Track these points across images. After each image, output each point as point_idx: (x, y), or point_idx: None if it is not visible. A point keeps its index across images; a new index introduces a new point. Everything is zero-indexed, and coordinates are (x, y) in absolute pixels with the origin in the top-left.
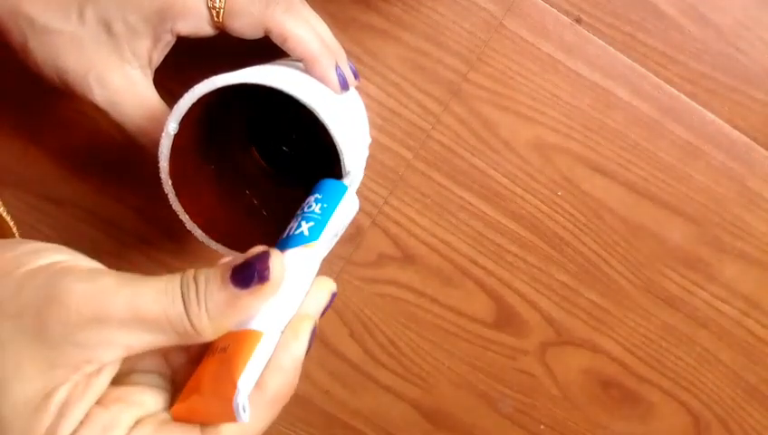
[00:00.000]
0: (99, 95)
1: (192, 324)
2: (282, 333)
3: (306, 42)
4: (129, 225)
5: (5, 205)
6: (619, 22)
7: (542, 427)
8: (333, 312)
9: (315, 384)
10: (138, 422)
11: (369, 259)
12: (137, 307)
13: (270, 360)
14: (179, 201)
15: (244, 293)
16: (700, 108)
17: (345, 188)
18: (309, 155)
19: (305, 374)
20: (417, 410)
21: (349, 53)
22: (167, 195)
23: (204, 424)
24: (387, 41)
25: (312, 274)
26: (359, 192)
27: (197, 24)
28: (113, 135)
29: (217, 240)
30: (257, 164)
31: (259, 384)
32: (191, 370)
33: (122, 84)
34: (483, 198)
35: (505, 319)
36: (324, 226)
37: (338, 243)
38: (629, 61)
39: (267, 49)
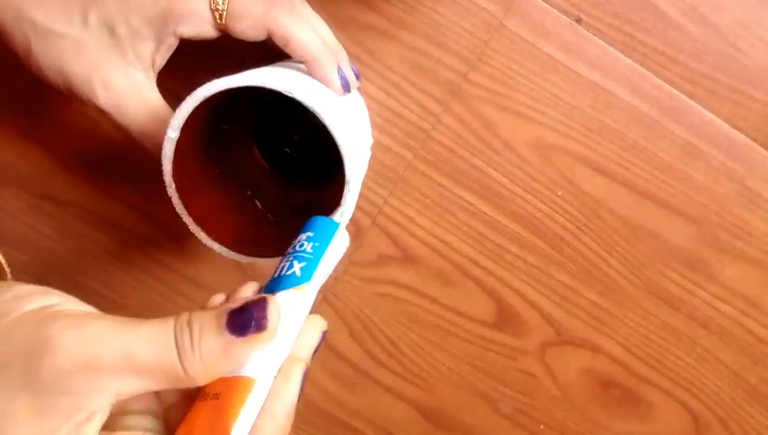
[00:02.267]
0: (103, 98)
1: (185, 371)
2: (274, 378)
3: (308, 44)
4: (130, 225)
5: (5, 205)
6: (618, 22)
7: (542, 427)
8: (333, 312)
9: (315, 384)
10: None
11: (369, 259)
12: (130, 354)
13: (263, 407)
14: (182, 203)
15: (239, 340)
16: (700, 108)
17: (337, 225)
18: (311, 156)
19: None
20: (417, 410)
21: (349, 53)
22: (170, 197)
23: None
24: (387, 41)
25: (304, 315)
26: (360, 193)
27: (200, 27)
28: (114, 135)
29: (219, 242)
30: (260, 165)
31: (253, 432)
32: (184, 408)
33: (126, 87)
34: (483, 198)
35: (505, 319)
36: (316, 265)
37: None
38: (629, 61)
39: (269, 51)
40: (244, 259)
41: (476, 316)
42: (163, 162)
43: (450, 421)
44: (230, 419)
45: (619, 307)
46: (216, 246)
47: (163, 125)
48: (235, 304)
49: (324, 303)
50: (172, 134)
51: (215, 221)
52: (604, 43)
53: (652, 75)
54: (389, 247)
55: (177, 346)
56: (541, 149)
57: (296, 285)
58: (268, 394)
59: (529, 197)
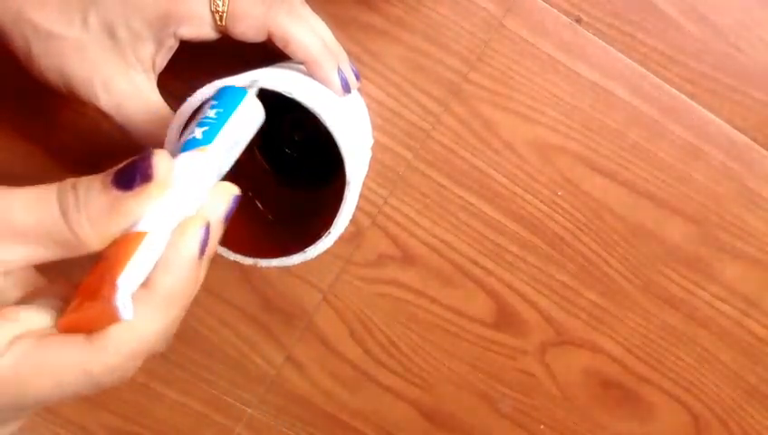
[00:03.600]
0: (104, 100)
1: (73, 232)
2: (171, 233)
3: (308, 45)
4: None
5: None
6: (618, 22)
7: (542, 427)
8: (333, 312)
9: (315, 384)
10: (17, 338)
11: (369, 259)
12: (7, 217)
13: (159, 260)
14: None
15: (127, 194)
16: (700, 108)
17: (244, 92)
18: (312, 157)
19: (305, 374)
20: (417, 410)
21: (349, 54)
22: None
23: (90, 332)
24: (387, 41)
25: (207, 178)
26: (360, 193)
27: (200, 29)
28: (115, 135)
29: (220, 243)
30: (260, 166)
31: (147, 283)
32: None
33: (127, 89)
34: (483, 198)
35: (505, 319)
36: (218, 130)
37: (338, 243)
38: (629, 61)
39: (269, 52)
40: (245, 261)
41: (476, 316)
42: None
43: (450, 421)
44: (118, 270)
45: (619, 307)
46: (217, 248)
47: (164, 126)
48: (121, 164)
49: (324, 303)
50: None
51: None
52: (604, 43)
53: (652, 75)
54: (389, 247)
55: (60, 208)
56: (541, 149)
57: (196, 147)
58: (165, 248)
59: (529, 197)
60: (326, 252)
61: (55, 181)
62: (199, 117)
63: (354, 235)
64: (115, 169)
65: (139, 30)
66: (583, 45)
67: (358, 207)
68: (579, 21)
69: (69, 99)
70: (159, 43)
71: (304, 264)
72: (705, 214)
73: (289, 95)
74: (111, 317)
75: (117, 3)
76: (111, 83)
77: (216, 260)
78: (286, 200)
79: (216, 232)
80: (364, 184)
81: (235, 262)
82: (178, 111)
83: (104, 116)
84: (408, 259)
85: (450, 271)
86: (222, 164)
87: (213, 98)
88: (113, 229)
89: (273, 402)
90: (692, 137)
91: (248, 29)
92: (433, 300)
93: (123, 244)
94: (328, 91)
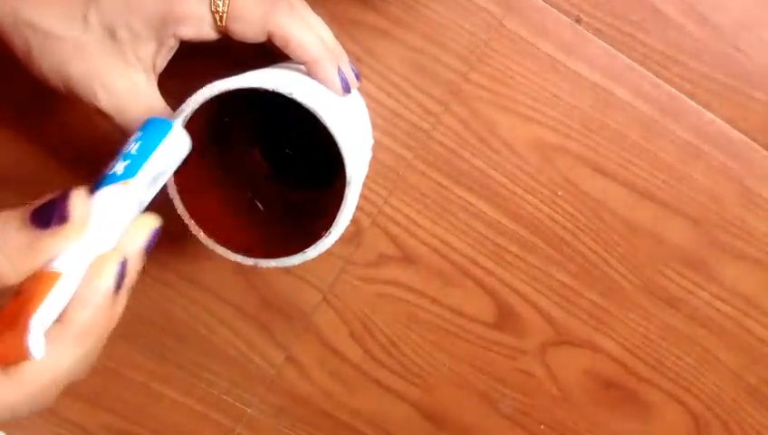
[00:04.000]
0: (104, 101)
1: None
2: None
3: (308, 45)
4: None
5: (5, 205)
6: (618, 22)
7: (542, 427)
8: (333, 312)
9: (315, 384)
10: None
11: (369, 259)
12: None
13: (74, 296)
14: (184, 205)
15: (44, 233)
16: (700, 108)
17: (169, 126)
18: (312, 157)
19: (305, 374)
20: (417, 410)
21: (349, 54)
22: (171, 199)
23: (8, 361)
24: (387, 41)
25: (128, 213)
26: (360, 193)
27: (201, 29)
28: (115, 136)
29: (221, 243)
30: (260, 166)
31: (62, 318)
32: None
33: (127, 89)
34: (483, 198)
35: (505, 319)
36: (141, 164)
37: (338, 243)
38: (629, 61)
39: (269, 52)
40: (246, 261)
41: (476, 316)
42: None
43: (450, 422)
44: (32, 308)
45: (619, 307)
46: (218, 248)
47: None
48: (42, 199)
49: (324, 303)
50: None
51: (216, 223)
52: (604, 43)
53: (652, 75)
54: (389, 247)
55: None
56: (541, 149)
57: (117, 181)
58: (80, 284)
59: (529, 197)
60: (326, 252)
61: (54, 182)
62: (121, 150)
63: (354, 235)
64: (34, 205)
65: (139, 30)
66: (583, 45)
67: (358, 207)
68: (579, 21)
69: (69, 99)
70: (160, 44)
71: (304, 264)
72: (705, 214)
73: (289, 95)
74: (24, 354)
75: (117, 3)
76: (111, 84)
77: (216, 260)
78: (286, 200)
79: (135, 265)
80: (364, 184)
81: (235, 262)
82: (177, 112)
83: (104, 116)
84: (408, 259)
85: (450, 271)
86: (144, 197)
87: (139, 129)
88: (30, 265)
89: (273, 402)
90: (692, 137)
91: (248, 29)
92: (433, 300)
93: (38, 282)
94: (328, 91)
